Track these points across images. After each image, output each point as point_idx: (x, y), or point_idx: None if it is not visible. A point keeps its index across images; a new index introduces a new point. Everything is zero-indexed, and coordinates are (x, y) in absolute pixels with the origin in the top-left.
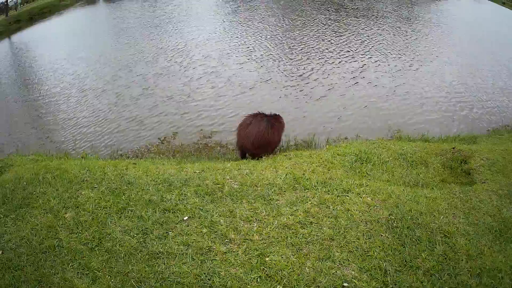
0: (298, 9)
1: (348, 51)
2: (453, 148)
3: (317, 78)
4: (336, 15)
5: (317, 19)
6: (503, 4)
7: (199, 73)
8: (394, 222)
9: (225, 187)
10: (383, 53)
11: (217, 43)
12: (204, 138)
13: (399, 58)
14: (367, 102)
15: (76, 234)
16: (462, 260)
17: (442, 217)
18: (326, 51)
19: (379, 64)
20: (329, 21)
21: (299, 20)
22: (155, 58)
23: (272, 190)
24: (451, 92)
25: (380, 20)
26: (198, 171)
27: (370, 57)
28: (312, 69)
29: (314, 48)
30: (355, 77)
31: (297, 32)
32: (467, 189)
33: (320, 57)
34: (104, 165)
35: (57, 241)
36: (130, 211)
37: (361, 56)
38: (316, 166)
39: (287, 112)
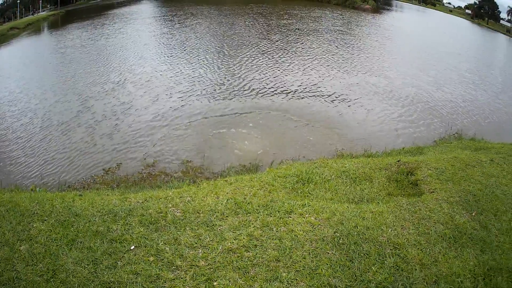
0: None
1: (310, 68)
2: (398, 161)
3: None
4: (294, 36)
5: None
6: (450, 12)
7: (150, 107)
8: (340, 239)
9: (168, 216)
10: (342, 71)
11: (169, 77)
12: (148, 167)
13: (356, 74)
14: (320, 124)
15: (32, 266)
16: (416, 269)
17: (390, 230)
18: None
19: (334, 79)
20: (285, 43)
21: (252, 45)
22: (109, 92)
23: (215, 216)
24: (407, 106)
25: (336, 39)
26: (141, 201)
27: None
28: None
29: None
30: (309, 101)
31: (256, 57)
32: (415, 201)
33: (272, 86)
34: (52, 198)
35: (15, 273)
36: (79, 243)
37: (321, 76)
38: (257, 189)
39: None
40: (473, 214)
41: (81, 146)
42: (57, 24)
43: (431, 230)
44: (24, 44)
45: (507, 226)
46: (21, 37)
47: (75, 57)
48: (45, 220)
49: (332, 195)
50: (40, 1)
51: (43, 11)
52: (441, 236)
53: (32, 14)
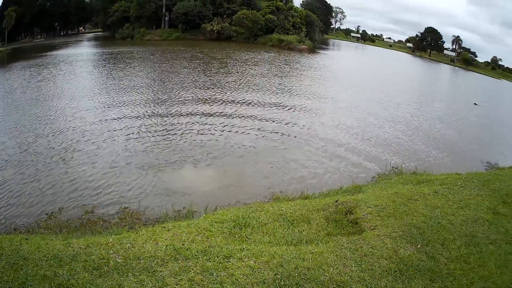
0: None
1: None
2: (336, 201)
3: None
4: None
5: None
6: (390, 47)
7: (87, 153)
8: (281, 280)
9: (110, 262)
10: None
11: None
12: (87, 213)
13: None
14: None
15: None
16: None
17: (331, 269)
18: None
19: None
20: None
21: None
22: (55, 136)
23: (155, 262)
24: (346, 144)
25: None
26: (83, 247)
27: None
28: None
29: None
30: (245, 145)
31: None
32: (355, 239)
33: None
34: (1, 240)
35: None
36: (29, 286)
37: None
38: (195, 235)
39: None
40: (419, 246)
41: (25, 188)
42: (3, 62)
43: (374, 266)
44: None
45: (456, 253)
46: None
47: (22, 98)
48: None
49: (270, 238)
50: None
51: None
52: (386, 271)
53: None
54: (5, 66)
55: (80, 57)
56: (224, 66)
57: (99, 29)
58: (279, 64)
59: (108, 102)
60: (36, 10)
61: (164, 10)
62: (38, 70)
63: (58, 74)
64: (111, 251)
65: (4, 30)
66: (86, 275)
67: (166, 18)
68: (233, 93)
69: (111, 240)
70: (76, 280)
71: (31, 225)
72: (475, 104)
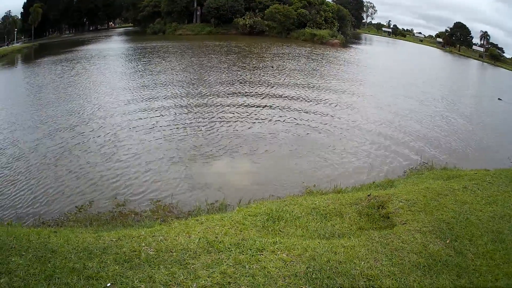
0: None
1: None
2: (368, 195)
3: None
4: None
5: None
6: (421, 41)
7: (122, 147)
8: (313, 273)
9: (142, 254)
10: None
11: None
12: (119, 206)
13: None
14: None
15: None
16: None
17: (363, 263)
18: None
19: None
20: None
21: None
22: (79, 125)
23: (187, 254)
24: (377, 139)
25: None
26: (114, 239)
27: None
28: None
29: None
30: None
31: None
32: (387, 233)
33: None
34: (29, 233)
35: None
36: (57, 278)
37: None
38: (228, 228)
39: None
40: (447, 241)
41: (54, 182)
42: (30, 57)
43: (404, 260)
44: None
45: (483, 249)
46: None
47: (56, 94)
48: (23, 254)
49: (303, 232)
50: (15, 33)
51: (18, 42)
52: (415, 265)
53: (7, 45)
54: (33, 62)
55: (113, 51)
56: (262, 61)
57: (130, 24)
58: (316, 58)
59: (146, 97)
60: (62, 6)
61: (195, 5)
62: (70, 65)
63: (92, 69)
64: (143, 244)
65: (30, 27)
66: (117, 267)
67: (198, 13)
68: (274, 87)
69: (143, 233)
70: (106, 273)
71: (60, 218)
72: (499, 99)
